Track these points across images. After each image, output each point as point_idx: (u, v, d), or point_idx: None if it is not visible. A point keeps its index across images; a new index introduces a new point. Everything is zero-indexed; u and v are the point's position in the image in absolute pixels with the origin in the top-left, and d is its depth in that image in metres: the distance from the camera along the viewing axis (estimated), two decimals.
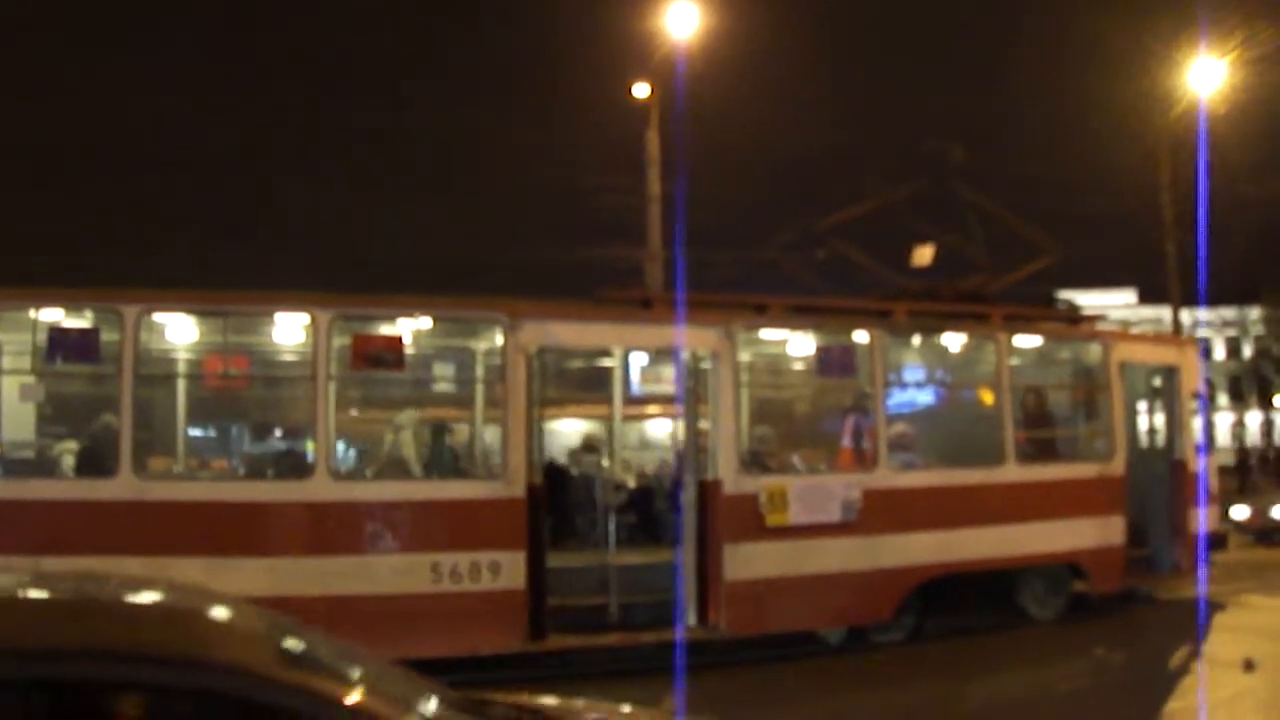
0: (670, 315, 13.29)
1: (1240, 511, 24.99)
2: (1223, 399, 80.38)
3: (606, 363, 15.84)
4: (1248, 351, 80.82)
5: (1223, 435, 65.58)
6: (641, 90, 26.49)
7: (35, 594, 4.57)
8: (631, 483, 15.16)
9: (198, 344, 13.42)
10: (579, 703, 5.68)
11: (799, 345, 15.42)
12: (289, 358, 13.43)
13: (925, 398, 16.48)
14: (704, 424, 13.39)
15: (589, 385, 17.01)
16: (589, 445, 18.16)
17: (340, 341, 12.39)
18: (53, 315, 11.89)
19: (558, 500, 13.93)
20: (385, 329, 12.81)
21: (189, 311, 12.63)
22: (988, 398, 15.30)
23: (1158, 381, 16.95)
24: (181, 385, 13.93)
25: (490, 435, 14.40)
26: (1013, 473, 14.78)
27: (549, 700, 5.46)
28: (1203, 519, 16.32)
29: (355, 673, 4.34)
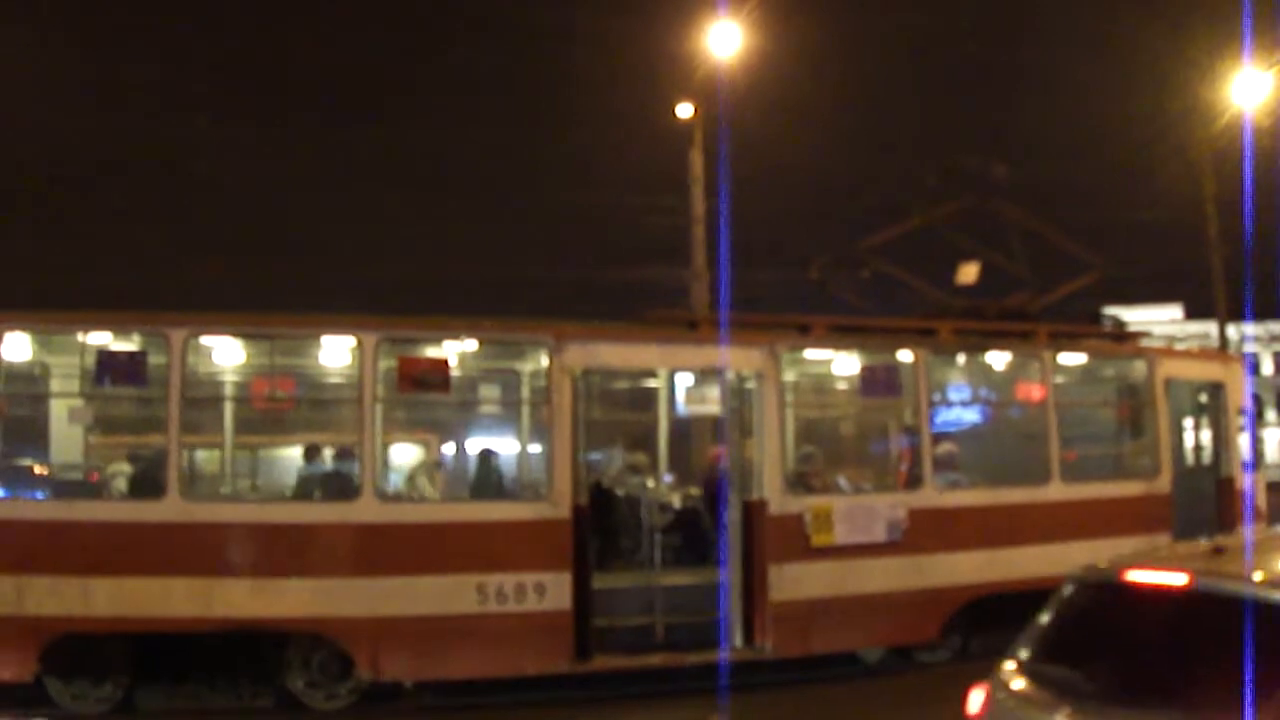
0: (715, 336, 13.28)
1: None
2: (1271, 414, 79.53)
3: (652, 384, 15.79)
4: None
5: (1271, 451, 64.93)
6: (685, 110, 26.40)
7: None
8: (677, 503, 15.06)
9: (244, 366, 13.51)
10: None
11: (843, 365, 15.33)
12: (335, 380, 13.48)
13: (970, 416, 16.37)
14: (749, 444, 13.38)
15: (634, 406, 16.96)
16: (634, 466, 18.09)
17: (386, 364, 12.45)
18: (100, 339, 12.02)
19: (603, 521, 13.89)
20: (431, 351, 12.88)
21: (235, 334, 12.74)
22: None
23: (1204, 398, 16.72)
24: (228, 408, 14.04)
25: (536, 457, 14.42)
26: (1058, 491, 14.66)
27: None
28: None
29: None
